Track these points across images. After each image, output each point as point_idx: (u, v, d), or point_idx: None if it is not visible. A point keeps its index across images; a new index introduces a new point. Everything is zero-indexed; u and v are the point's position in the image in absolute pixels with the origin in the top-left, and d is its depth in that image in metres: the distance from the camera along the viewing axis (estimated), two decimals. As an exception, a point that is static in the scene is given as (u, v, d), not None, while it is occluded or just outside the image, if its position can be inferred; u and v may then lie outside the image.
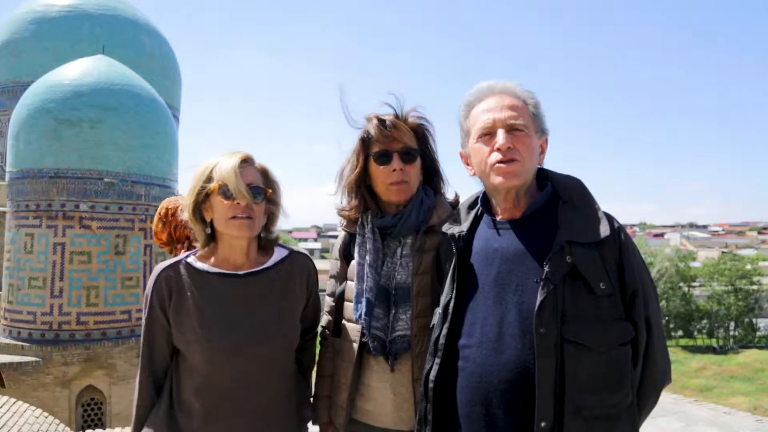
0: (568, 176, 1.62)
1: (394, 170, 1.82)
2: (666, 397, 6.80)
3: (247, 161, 1.71)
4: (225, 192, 1.66)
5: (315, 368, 2.02)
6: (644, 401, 1.54)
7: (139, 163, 11.33)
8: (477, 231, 1.66)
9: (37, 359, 10.54)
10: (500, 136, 1.52)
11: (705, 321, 37.22)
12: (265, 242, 1.83)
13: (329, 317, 1.98)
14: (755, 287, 37.39)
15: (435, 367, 1.57)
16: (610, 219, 1.52)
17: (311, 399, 1.94)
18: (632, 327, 1.47)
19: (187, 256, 1.79)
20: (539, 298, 1.41)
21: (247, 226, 1.68)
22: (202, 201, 1.71)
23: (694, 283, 39.07)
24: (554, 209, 1.55)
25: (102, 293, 10.93)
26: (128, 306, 11.18)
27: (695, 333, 37.51)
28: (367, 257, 1.85)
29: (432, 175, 1.97)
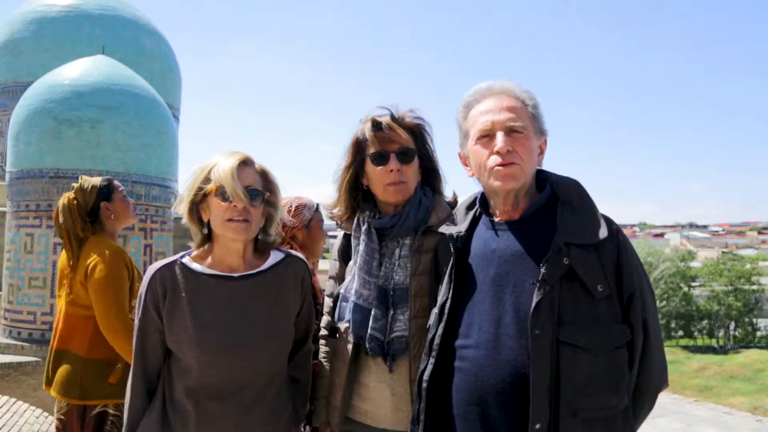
0: (566, 178, 1.62)
1: (391, 171, 1.82)
2: (666, 397, 6.79)
3: (245, 162, 1.70)
4: (222, 194, 1.65)
5: (315, 370, 2.02)
6: (640, 404, 1.54)
7: (139, 163, 11.29)
8: (475, 232, 1.66)
9: (37, 359, 10.52)
10: (499, 139, 1.52)
11: (705, 321, 37.22)
12: (262, 245, 1.82)
13: (329, 318, 1.98)
14: (755, 287, 37.38)
15: (429, 367, 1.57)
16: (608, 221, 1.52)
17: (304, 415, 1.92)
18: (629, 329, 1.47)
19: (182, 257, 1.78)
20: (535, 300, 1.41)
21: (243, 229, 1.68)
22: (199, 201, 1.71)
23: (694, 283, 39.04)
24: (553, 210, 1.55)
25: (102, 293, 10.91)
26: (128, 306, 11.17)
27: (695, 333, 37.49)
28: (358, 259, 1.84)
29: (430, 175, 1.96)
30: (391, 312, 1.80)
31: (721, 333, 37.17)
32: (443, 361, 1.57)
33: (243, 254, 1.76)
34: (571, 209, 1.53)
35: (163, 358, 1.76)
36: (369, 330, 1.79)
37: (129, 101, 11.19)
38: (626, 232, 1.59)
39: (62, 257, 3.01)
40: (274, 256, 1.84)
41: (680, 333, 37.29)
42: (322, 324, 2.02)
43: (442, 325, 1.58)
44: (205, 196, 1.69)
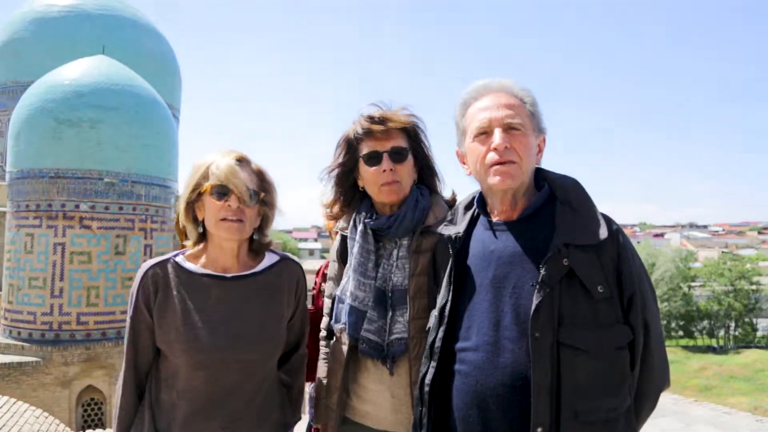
0: (565, 177, 1.59)
1: (385, 171, 1.79)
2: (666, 397, 6.80)
3: (241, 161, 1.68)
4: (217, 192, 1.63)
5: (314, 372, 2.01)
6: (642, 405, 1.52)
7: (139, 163, 11.32)
8: (473, 232, 1.64)
9: (37, 359, 10.53)
10: (497, 136, 1.50)
11: (705, 321, 37.23)
12: (257, 246, 1.79)
13: (328, 318, 1.97)
14: (755, 287, 37.39)
15: (431, 371, 1.55)
16: (608, 221, 1.49)
17: (295, 421, 1.88)
18: (630, 330, 1.45)
19: (176, 255, 1.75)
20: (535, 302, 1.39)
21: (236, 229, 1.65)
22: (195, 200, 1.69)
23: (694, 283, 39.07)
24: (552, 210, 1.52)
25: (102, 293, 10.92)
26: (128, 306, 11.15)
27: (695, 333, 37.51)
28: (353, 261, 1.83)
29: (427, 174, 1.93)
30: (390, 314, 1.78)
31: (721, 333, 37.18)
32: (443, 364, 1.55)
33: (237, 254, 1.73)
34: (570, 209, 1.51)
35: (153, 357, 1.73)
36: (362, 331, 1.77)
37: (129, 101, 11.21)
38: (626, 232, 1.57)
39: None
40: (269, 258, 1.81)
41: (680, 333, 37.32)
42: (322, 325, 2.02)
43: (443, 329, 1.55)
44: (200, 194, 1.67)
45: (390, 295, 1.78)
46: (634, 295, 1.46)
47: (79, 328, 10.79)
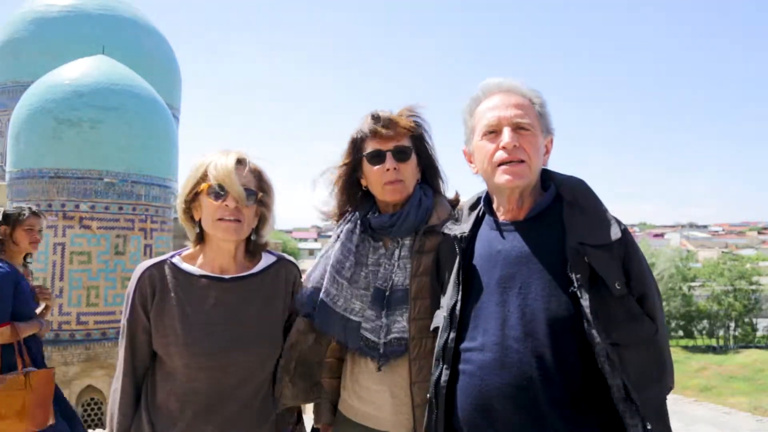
0: (571, 177, 1.59)
1: (388, 170, 1.80)
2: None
3: (240, 162, 1.66)
4: (214, 192, 1.62)
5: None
6: None
7: (139, 163, 11.31)
8: (479, 232, 1.63)
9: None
10: (506, 135, 1.49)
11: (705, 321, 37.21)
12: (254, 247, 1.77)
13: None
14: (754, 287, 37.38)
15: (445, 373, 1.53)
16: (617, 221, 1.49)
17: (292, 422, 1.85)
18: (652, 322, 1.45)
19: (172, 256, 1.74)
20: (586, 305, 1.37)
21: (234, 229, 1.63)
22: (192, 199, 1.68)
23: (694, 283, 39.05)
24: (558, 211, 1.52)
25: (102, 293, 10.91)
26: (128, 306, 11.15)
27: (695, 333, 37.49)
28: (331, 257, 1.83)
29: (430, 174, 1.93)
30: (385, 311, 1.77)
31: (721, 333, 37.17)
32: (450, 364, 1.54)
33: (234, 255, 1.72)
34: (579, 210, 1.50)
35: (150, 360, 1.71)
36: (360, 330, 1.78)
37: (129, 101, 11.21)
38: (627, 231, 1.58)
39: None
40: (266, 259, 1.80)
41: (680, 333, 37.31)
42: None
43: (454, 330, 1.54)
44: (198, 194, 1.66)
45: (388, 294, 1.78)
46: (644, 294, 1.46)
47: (78, 328, 10.78)
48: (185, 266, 1.71)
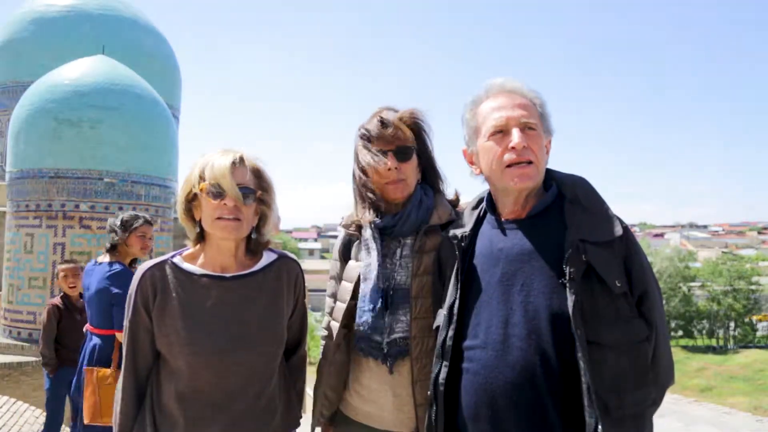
0: (572, 175, 1.60)
1: (390, 169, 1.81)
2: (666, 397, 6.77)
3: (239, 160, 1.66)
4: (212, 191, 1.62)
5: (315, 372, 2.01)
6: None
7: (139, 163, 11.32)
8: (480, 231, 1.64)
9: (37, 359, 10.53)
10: (515, 135, 1.49)
11: (705, 321, 37.26)
12: (255, 245, 1.77)
13: (329, 318, 1.97)
14: (754, 287, 37.43)
15: (444, 370, 1.54)
16: (619, 219, 1.50)
17: (297, 419, 1.87)
18: (646, 324, 1.45)
19: (173, 256, 1.74)
20: (571, 300, 1.38)
21: (233, 228, 1.63)
22: (191, 199, 1.68)
23: (694, 284, 39.09)
24: (560, 209, 1.53)
25: (102, 293, 10.92)
26: (128, 306, 11.14)
27: (695, 333, 37.53)
28: (372, 259, 1.82)
29: (430, 174, 1.95)
30: (390, 312, 1.78)
31: (721, 333, 37.21)
32: (451, 362, 1.55)
33: (235, 254, 1.72)
34: (580, 207, 1.51)
35: (153, 361, 1.71)
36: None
37: (129, 101, 11.20)
38: (627, 231, 1.59)
39: None
40: (267, 257, 1.80)
41: (680, 333, 37.36)
42: (323, 324, 2.02)
43: (452, 327, 1.55)
44: (197, 194, 1.66)
45: (390, 293, 1.79)
46: (645, 292, 1.46)
47: (79, 328, 10.79)
48: (186, 266, 1.71)
